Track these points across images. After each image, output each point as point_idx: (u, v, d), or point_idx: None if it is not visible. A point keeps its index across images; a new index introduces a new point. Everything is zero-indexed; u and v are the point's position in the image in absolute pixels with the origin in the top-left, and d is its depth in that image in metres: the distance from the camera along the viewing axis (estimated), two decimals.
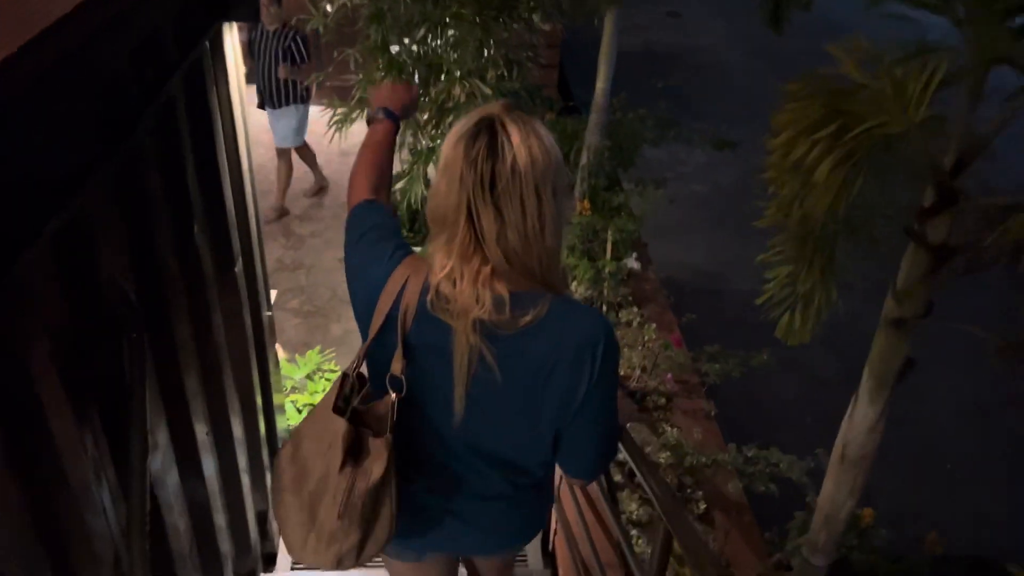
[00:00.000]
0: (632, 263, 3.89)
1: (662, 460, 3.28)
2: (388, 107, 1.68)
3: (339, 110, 4.15)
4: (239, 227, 2.34)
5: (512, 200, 1.16)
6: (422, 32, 3.90)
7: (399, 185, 4.35)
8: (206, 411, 2.06)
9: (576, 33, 8.13)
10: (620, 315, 3.62)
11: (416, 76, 4.12)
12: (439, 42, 3.98)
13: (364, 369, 1.40)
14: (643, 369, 3.39)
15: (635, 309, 3.73)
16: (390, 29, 4.08)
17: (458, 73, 3.77)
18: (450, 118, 3.89)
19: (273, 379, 2.82)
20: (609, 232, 3.68)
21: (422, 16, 3.92)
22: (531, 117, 1.23)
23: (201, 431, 2.00)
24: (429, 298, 1.22)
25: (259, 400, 2.60)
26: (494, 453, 1.37)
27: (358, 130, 5.43)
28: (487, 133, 1.17)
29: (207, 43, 2.03)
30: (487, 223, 1.17)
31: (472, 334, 1.20)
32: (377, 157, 1.59)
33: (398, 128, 1.69)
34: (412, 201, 4.21)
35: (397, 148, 4.27)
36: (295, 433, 1.40)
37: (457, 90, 3.83)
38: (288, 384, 3.82)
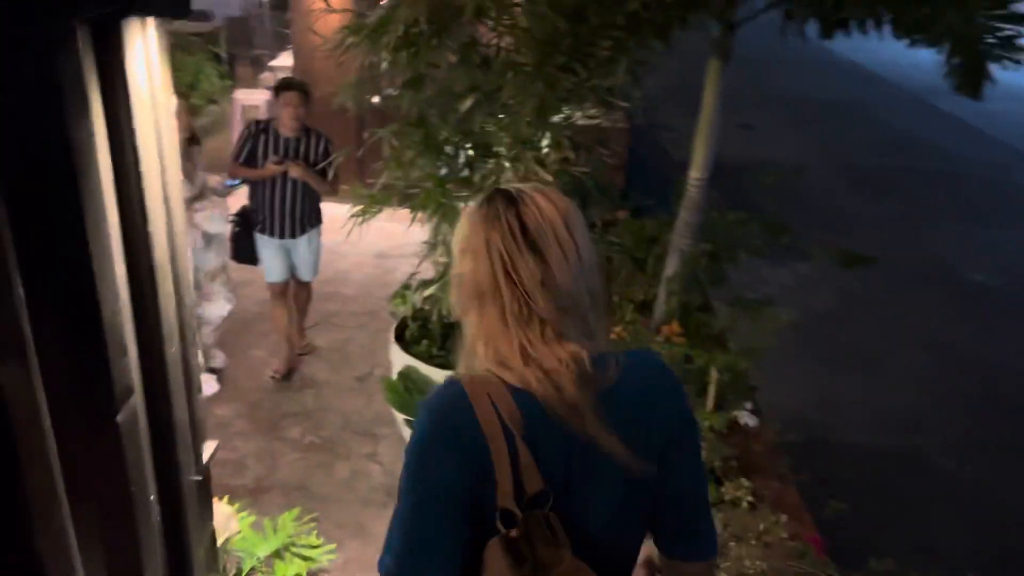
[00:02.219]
0: (747, 417, 2.84)
1: None
2: None
3: (361, 202, 3.32)
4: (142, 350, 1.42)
5: (548, 241, 1.11)
6: (469, 104, 3.09)
7: (429, 291, 3.46)
8: None
9: (638, 134, 7.41)
10: (723, 490, 2.53)
11: (460, 158, 3.29)
12: (488, 117, 3.17)
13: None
14: None
15: (744, 482, 2.63)
16: (431, 102, 3.30)
17: (508, 152, 2.93)
18: None
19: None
20: (712, 371, 2.70)
21: (469, 84, 3.12)
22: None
23: None
24: (531, 385, 1.10)
25: None
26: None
27: (394, 230, 4.75)
28: (501, 195, 1.16)
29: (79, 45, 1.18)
30: (527, 271, 1.11)
31: (583, 393, 1.10)
32: None
33: None
34: (445, 310, 3.30)
35: (438, 246, 3.45)
36: None
37: (509, 174, 2.97)
38: (247, 565, 2.80)
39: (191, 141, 3.90)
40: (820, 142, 10.19)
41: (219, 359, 4.57)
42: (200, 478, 1.78)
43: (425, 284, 3.70)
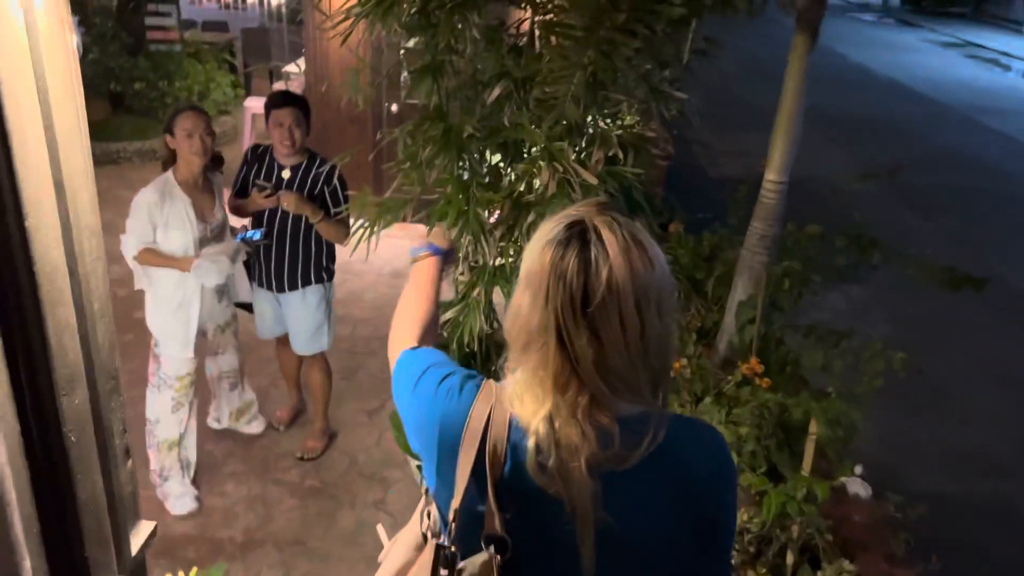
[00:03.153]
0: (857, 486, 2.24)
1: None
2: (436, 244, 1.56)
3: (369, 209, 2.81)
4: None
5: (610, 320, 1.00)
6: (496, 93, 2.60)
7: (449, 315, 2.95)
8: None
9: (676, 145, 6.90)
10: (820, 575, 1.96)
11: (485, 156, 2.79)
12: (519, 109, 2.67)
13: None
14: None
15: (846, 564, 2.01)
16: (452, 93, 2.81)
17: (544, 149, 2.42)
18: (529, 218, 2.51)
19: None
20: (813, 425, 2.14)
21: (497, 69, 2.63)
22: (631, 221, 1.07)
23: None
24: (531, 442, 1.04)
25: None
26: None
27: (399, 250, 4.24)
28: (578, 241, 1.02)
29: None
30: (581, 347, 1.01)
31: (590, 481, 1.02)
32: (422, 300, 1.44)
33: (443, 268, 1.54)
34: (466, 338, 2.79)
35: (459, 263, 2.94)
36: None
37: (545, 175, 2.47)
38: None
39: (212, 165, 3.30)
40: (863, 160, 9.64)
41: (256, 423, 3.92)
42: None
43: (444, 307, 3.19)
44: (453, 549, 1.10)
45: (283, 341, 3.81)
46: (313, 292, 3.58)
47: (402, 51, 3.00)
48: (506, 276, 2.69)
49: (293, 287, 3.53)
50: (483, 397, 1.12)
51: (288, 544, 3.26)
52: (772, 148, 2.56)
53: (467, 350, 2.82)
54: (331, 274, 3.66)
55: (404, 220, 2.81)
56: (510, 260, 2.74)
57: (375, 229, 2.84)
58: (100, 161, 7.61)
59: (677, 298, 3.28)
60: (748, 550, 2.09)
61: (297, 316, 3.61)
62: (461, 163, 2.67)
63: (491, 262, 2.70)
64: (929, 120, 12.14)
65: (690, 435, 1.12)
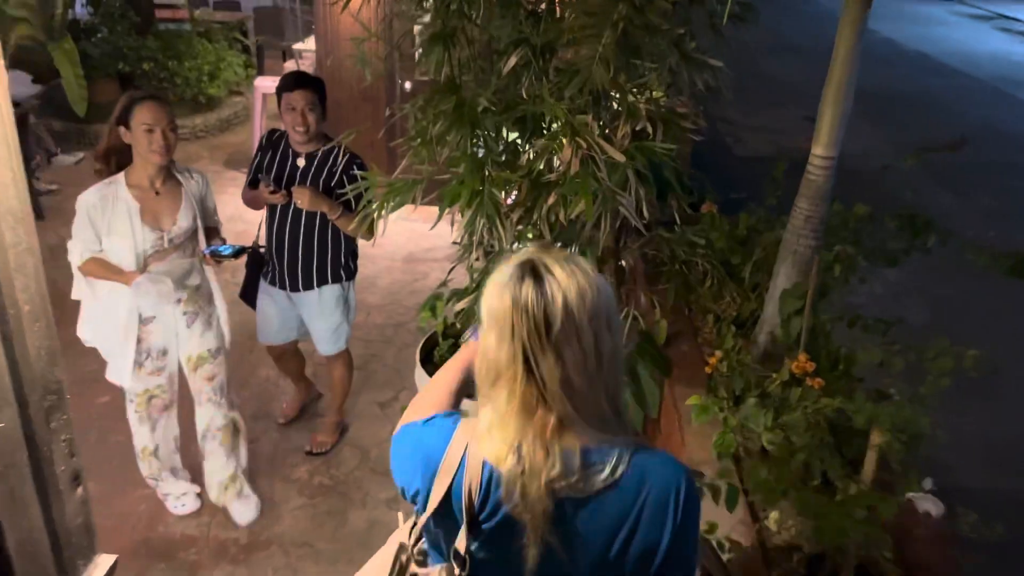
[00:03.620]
0: (928, 503, 1.98)
1: None
2: None
3: (378, 188, 2.60)
4: None
5: (570, 341, 1.12)
6: (512, 62, 2.37)
7: (461, 305, 2.75)
8: None
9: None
10: None
11: (501, 133, 2.57)
12: (538, 79, 2.45)
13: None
14: None
15: None
16: (466, 65, 2.59)
17: (566, 123, 2.19)
18: (550, 199, 2.29)
19: None
20: (874, 435, 1.96)
21: (514, 37, 2.40)
22: (572, 254, 1.20)
23: None
24: (503, 469, 1.15)
25: None
26: None
27: (424, 230, 4.00)
28: (531, 276, 1.15)
29: None
30: (548, 370, 1.12)
31: (545, 500, 1.12)
32: (460, 378, 1.45)
33: None
34: None
35: (473, 248, 2.73)
36: None
37: (567, 152, 2.24)
38: None
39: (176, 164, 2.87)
40: (893, 135, 9.30)
41: (247, 506, 3.23)
42: None
43: (457, 294, 2.99)
44: (412, 552, 1.28)
45: (278, 358, 3.58)
46: (330, 292, 3.30)
47: (416, 27, 2.77)
48: None
49: (308, 286, 3.26)
50: (460, 435, 1.23)
51: (295, 546, 3.09)
52: (820, 121, 2.32)
53: None
54: (351, 272, 3.38)
55: (414, 202, 2.60)
56: (525, 244, 2.53)
57: (383, 212, 2.63)
58: None
59: (710, 286, 3.09)
60: (799, 570, 1.88)
61: (313, 317, 3.36)
62: (475, 140, 2.44)
63: (507, 247, 2.49)
64: (960, 94, 11.74)
65: (649, 463, 1.18)
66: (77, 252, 2.75)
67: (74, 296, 2.90)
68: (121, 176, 2.74)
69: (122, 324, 2.84)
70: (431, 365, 3.35)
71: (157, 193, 2.77)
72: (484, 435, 1.18)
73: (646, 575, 1.18)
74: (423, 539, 1.31)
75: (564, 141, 2.24)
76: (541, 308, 1.11)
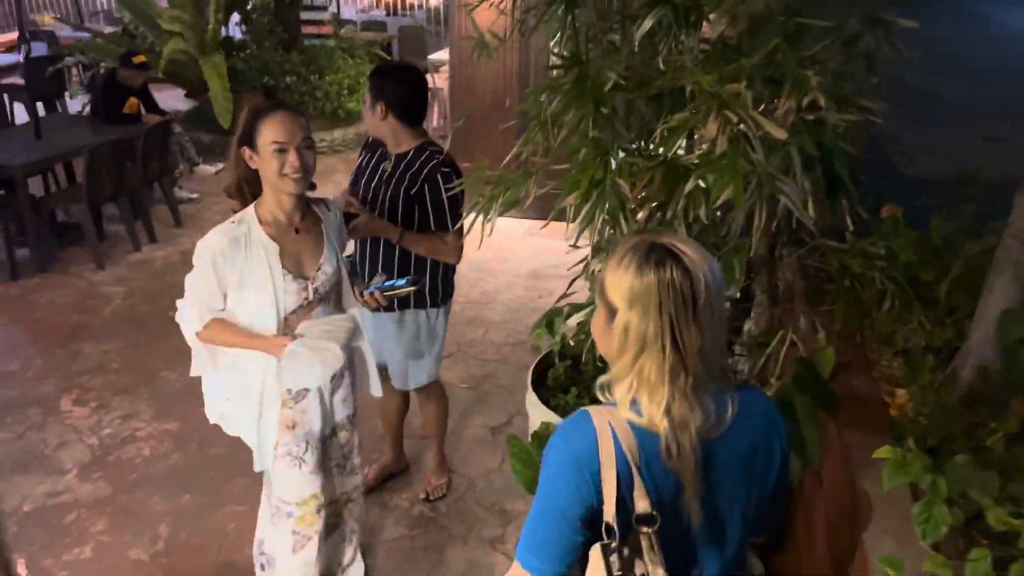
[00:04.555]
0: None
1: None
2: None
3: (479, 189, 2.24)
4: None
5: (709, 313, 1.22)
6: (648, 24, 1.95)
7: (578, 318, 2.34)
8: None
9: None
10: None
11: (629, 112, 2.15)
12: (677, 48, 2.01)
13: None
14: None
15: None
16: (593, 37, 2.21)
17: (711, 96, 1.74)
18: (687, 186, 1.83)
19: None
20: None
21: None
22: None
23: None
24: (659, 430, 1.23)
25: None
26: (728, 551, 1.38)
27: (551, 246, 3.50)
28: (670, 257, 1.22)
29: None
30: (690, 340, 1.21)
31: (697, 447, 1.24)
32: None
33: None
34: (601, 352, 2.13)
35: (593, 253, 2.32)
36: None
37: (711, 127, 1.79)
38: None
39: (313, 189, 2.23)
40: None
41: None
42: None
43: (577, 309, 2.58)
44: (614, 544, 1.25)
45: (384, 375, 2.99)
46: (412, 318, 2.80)
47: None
48: None
49: (388, 307, 2.70)
50: (597, 422, 1.28)
51: None
52: None
53: (599, 364, 2.18)
54: (441, 296, 2.82)
55: (526, 199, 2.22)
56: None
57: (490, 212, 2.26)
58: None
59: (890, 308, 2.51)
60: None
61: (390, 344, 2.85)
62: (599, 121, 2.03)
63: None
64: None
65: (749, 395, 1.36)
66: (196, 314, 2.15)
67: (194, 373, 2.32)
68: (252, 211, 2.14)
69: (262, 406, 2.24)
70: (545, 388, 2.95)
71: (296, 231, 2.17)
72: (628, 408, 1.26)
73: (781, 474, 1.39)
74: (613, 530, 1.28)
75: (709, 114, 1.79)
76: (688, 286, 1.20)
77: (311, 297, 2.19)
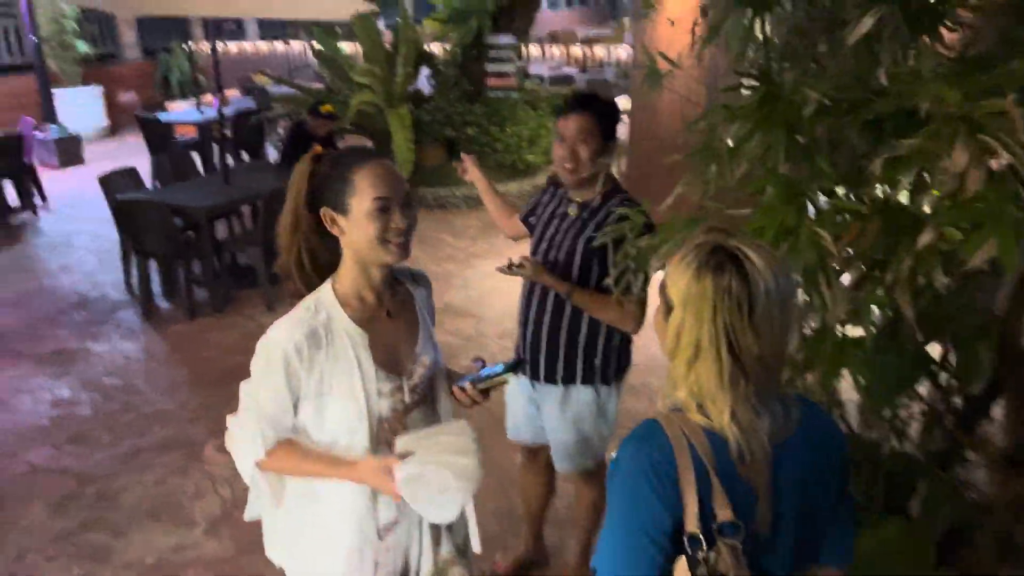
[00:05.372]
0: None
1: None
2: None
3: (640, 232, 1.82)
4: None
5: (768, 322, 1.17)
6: (865, 28, 1.47)
7: None
8: None
9: None
10: None
11: (834, 144, 1.65)
12: (904, 55, 1.51)
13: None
14: None
15: None
16: (789, 53, 1.75)
17: (956, 120, 1.23)
18: (922, 239, 1.31)
19: None
20: None
21: None
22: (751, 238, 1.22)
23: None
24: (729, 435, 1.20)
25: None
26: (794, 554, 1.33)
27: None
28: (731, 261, 1.18)
29: None
30: (747, 347, 1.17)
31: (768, 452, 1.22)
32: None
33: None
34: None
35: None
36: None
37: (960, 157, 1.26)
38: None
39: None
40: None
41: None
42: None
43: None
44: (701, 555, 1.19)
45: (531, 453, 2.70)
46: (579, 394, 2.40)
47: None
48: (865, 350, 1.51)
49: (551, 379, 2.39)
50: (670, 431, 1.23)
51: None
52: None
53: None
54: (612, 374, 2.41)
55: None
56: (873, 322, 1.55)
57: (647, 268, 1.83)
58: (431, 206, 7.61)
59: None
60: None
61: (553, 420, 2.46)
62: (793, 151, 1.56)
63: (837, 323, 1.54)
64: None
65: (809, 407, 1.33)
66: (258, 438, 1.64)
67: (249, 517, 1.78)
68: (329, 293, 1.63)
69: (351, 546, 1.69)
70: None
71: (388, 314, 1.68)
72: (696, 413, 1.23)
73: (843, 482, 1.37)
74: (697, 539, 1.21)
75: (954, 140, 1.27)
76: (745, 293, 1.16)
77: (407, 400, 1.67)
